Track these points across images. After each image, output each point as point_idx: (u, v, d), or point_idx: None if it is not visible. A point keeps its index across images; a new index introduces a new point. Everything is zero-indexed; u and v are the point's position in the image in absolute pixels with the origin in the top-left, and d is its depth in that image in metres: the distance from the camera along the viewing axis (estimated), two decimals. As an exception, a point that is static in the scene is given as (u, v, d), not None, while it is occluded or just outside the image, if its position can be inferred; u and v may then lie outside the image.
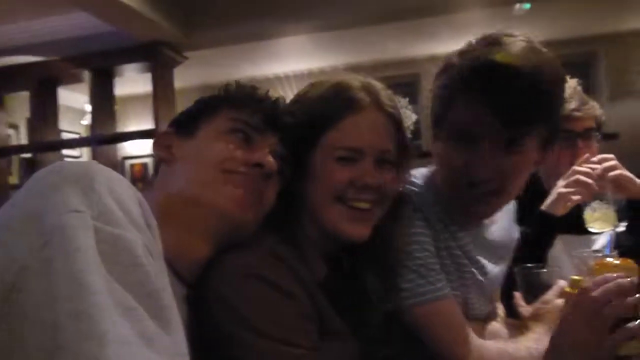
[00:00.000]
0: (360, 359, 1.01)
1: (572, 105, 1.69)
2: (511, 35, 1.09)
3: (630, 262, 1.16)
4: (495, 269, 1.29)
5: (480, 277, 1.23)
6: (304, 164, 1.03)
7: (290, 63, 5.58)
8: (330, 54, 5.20)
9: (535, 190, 1.71)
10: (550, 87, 1.07)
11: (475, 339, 1.12)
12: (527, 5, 4.32)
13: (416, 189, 1.19)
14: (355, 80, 1.07)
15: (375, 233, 1.06)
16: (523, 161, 1.11)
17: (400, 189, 1.13)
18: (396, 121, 1.07)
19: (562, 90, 1.14)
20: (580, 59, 5.64)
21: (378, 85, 1.09)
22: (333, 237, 1.03)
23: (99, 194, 0.63)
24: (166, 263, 0.70)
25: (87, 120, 5.49)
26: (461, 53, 1.12)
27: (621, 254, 1.33)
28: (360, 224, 1.03)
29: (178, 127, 1.03)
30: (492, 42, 1.08)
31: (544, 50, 1.09)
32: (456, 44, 1.17)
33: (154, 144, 1.03)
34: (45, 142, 5.19)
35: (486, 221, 1.29)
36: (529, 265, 1.31)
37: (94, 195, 0.62)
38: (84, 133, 6.54)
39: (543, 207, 1.56)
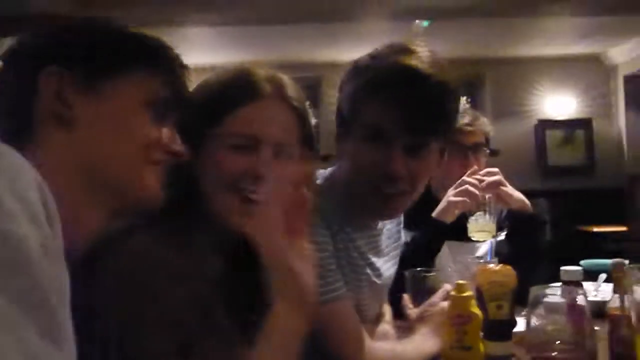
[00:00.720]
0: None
1: (464, 119, 1.79)
2: (418, 45, 1.14)
3: (508, 268, 1.26)
4: (387, 271, 1.33)
5: (374, 279, 1.26)
6: (195, 149, 0.93)
7: (193, 55, 5.39)
8: (234, 51, 5.10)
9: (426, 198, 1.79)
10: (454, 96, 1.15)
11: (367, 340, 1.14)
12: (426, 23, 4.53)
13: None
14: (260, 69, 1.03)
15: None
16: (428, 165, 1.17)
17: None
18: (300, 115, 1.03)
19: (459, 102, 1.21)
20: (468, 78, 6.00)
21: (285, 78, 1.05)
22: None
23: None
24: None
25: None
26: (373, 57, 1.15)
27: (500, 261, 1.43)
28: (246, 214, 0.95)
29: (72, 69, 0.79)
30: (403, 49, 1.13)
31: (445, 63, 1.15)
32: (357, 52, 1.20)
33: (44, 91, 0.77)
34: None
35: (378, 225, 1.33)
36: (418, 269, 1.36)
37: None
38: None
39: (434, 213, 1.64)
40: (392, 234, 1.41)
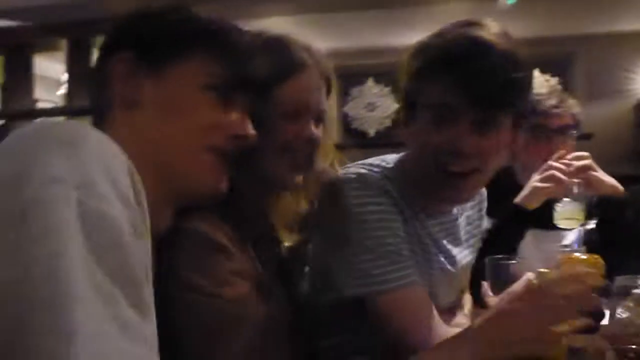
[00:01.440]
0: (300, 341, 1.06)
1: (551, 101, 1.71)
2: (485, 20, 1.11)
3: (596, 258, 1.18)
4: (464, 259, 1.31)
5: (449, 267, 1.24)
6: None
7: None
8: (312, 38, 5.15)
9: (509, 183, 1.73)
10: (524, 68, 1.09)
11: (440, 327, 1.12)
12: (512, 0, 4.33)
13: (387, 175, 1.18)
14: (296, 40, 1.11)
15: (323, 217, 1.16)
16: (499, 141, 1.11)
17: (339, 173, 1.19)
18: (329, 84, 1.13)
19: (532, 75, 1.16)
20: (559, 57, 5.71)
21: (317, 47, 1.14)
22: (275, 186, 1.08)
23: (85, 161, 0.56)
24: None
25: (63, 90, 5.36)
26: (438, 34, 1.12)
27: (589, 251, 1.36)
28: (297, 172, 1.08)
29: (140, 53, 0.83)
30: (468, 23, 1.10)
31: (513, 36, 1.11)
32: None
33: (115, 75, 0.82)
34: (18, 110, 5.05)
35: (455, 210, 1.30)
36: (499, 256, 1.32)
37: (79, 163, 0.56)
38: (61, 104, 6.38)
39: (517, 199, 1.58)
40: (472, 221, 1.37)
